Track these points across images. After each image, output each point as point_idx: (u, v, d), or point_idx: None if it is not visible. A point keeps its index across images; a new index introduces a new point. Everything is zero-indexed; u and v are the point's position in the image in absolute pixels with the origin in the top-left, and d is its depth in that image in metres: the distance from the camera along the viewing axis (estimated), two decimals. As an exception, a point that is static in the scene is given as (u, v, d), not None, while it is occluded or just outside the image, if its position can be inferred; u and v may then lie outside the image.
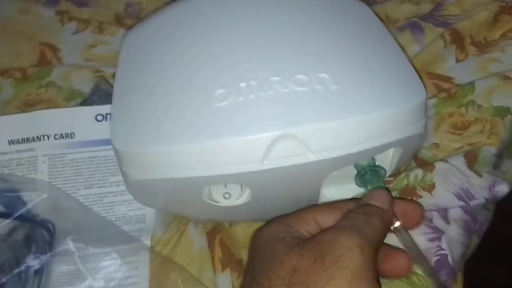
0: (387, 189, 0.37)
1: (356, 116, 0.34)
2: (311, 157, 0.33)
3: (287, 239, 0.31)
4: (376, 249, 0.31)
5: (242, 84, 0.34)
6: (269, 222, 0.35)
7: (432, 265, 0.37)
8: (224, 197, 0.36)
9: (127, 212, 0.44)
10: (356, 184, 0.38)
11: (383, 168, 0.37)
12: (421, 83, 0.37)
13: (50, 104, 0.52)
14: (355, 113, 0.34)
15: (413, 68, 0.39)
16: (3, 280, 0.38)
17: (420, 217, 0.37)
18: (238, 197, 0.36)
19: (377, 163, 0.37)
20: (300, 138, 0.33)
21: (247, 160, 0.33)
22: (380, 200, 0.34)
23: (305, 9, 0.40)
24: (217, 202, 0.36)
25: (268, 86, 0.34)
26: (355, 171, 0.37)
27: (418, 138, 0.37)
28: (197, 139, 0.33)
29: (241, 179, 0.34)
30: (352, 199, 0.37)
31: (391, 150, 0.37)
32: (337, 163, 0.35)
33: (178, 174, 0.34)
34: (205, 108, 0.34)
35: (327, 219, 0.33)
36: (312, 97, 0.34)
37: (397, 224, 0.35)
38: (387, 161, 0.38)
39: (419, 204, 0.37)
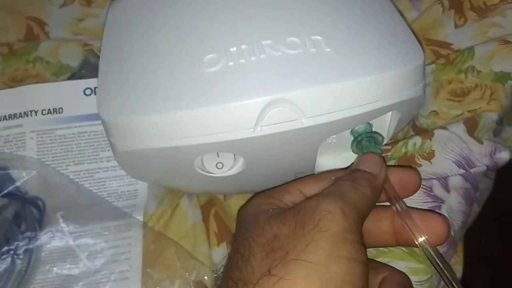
0: (382, 156, 0.36)
1: (351, 79, 0.32)
2: (305, 122, 0.32)
3: (270, 209, 0.30)
4: (362, 215, 0.30)
5: (232, 49, 0.33)
6: (253, 195, 0.34)
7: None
8: (217, 167, 0.35)
9: (118, 187, 0.43)
10: (353, 151, 0.36)
11: (380, 134, 0.36)
12: (419, 46, 0.36)
13: (38, 79, 0.50)
14: (350, 76, 0.32)
15: (410, 31, 0.37)
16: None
17: (417, 185, 0.35)
18: (231, 167, 0.35)
19: (374, 129, 0.36)
20: (293, 103, 0.31)
21: (239, 126, 0.32)
22: (370, 165, 0.32)
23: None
24: (210, 172, 0.35)
25: (260, 50, 0.33)
26: (352, 138, 0.36)
27: (416, 101, 0.36)
28: (186, 106, 0.32)
29: (234, 147, 0.33)
30: (342, 169, 0.35)
31: (389, 115, 0.35)
32: (332, 128, 0.34)
33: (168, 144, 0.33)
34: (194, 74, 0.33)
35: (313, 189, 0.32)
36: (306, 60, 0.32)
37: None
38: (385, 127, 0.36)
39: (416, 172, 0.35)
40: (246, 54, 0.33)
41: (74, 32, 0.53)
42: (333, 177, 0.33)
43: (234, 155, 0.35)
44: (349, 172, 0.33)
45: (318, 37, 0.33)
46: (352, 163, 0.34)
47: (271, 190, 0.32)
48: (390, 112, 0.35)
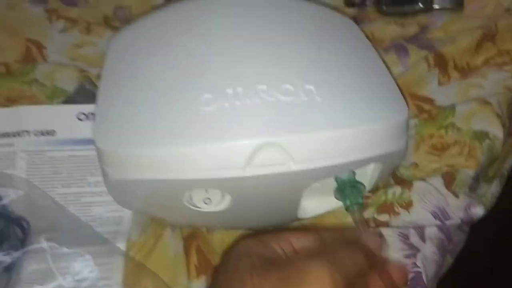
0: (362, 205, 0.37)
1: (339, 128, 0.34)
2: (293, 167, 0.33)
3: (253, 256, 0.29)
4: (351, 283, 0.28)
5: (229, 90, 0.35)
6: (242, 236, 0.33)
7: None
8: (205, 203, 0.36)
9: (104, 213, 0.43)
10: (335, 197, 0.38)
11: (362, 184, 0.37)
12: (404, 101, 0.38)
13: (33, 101, 0.51)
14: (338, 125, 0.34)
15: (396, 86, 0.39)
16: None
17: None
18: (218, 203, 0.36)
19: (357, 178, 0.37)
20: (283, 147, 0.33)
21: (229, 165, 0.33)
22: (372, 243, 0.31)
23: (295, 22, 0.40)
24: (197, 207, 0.36)
25: (254, 94, 0.34)
26: (335, 185, 0.37)
27: (398, 154, 0.38)
28: (180, 142, 0.33)
29: (223, 184, 0.34)
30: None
31: (371, 165, 0.37)
32: (318, 174, 0.35)
33: (160, 176, 0.34)
34: (190, 112, 0.34)
35: (303, 242, 0.31)
36: (297, 107, 0.34)
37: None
38: (367, 176, 0.38)
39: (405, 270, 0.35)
40: (242, 96, 0.34)
41: (71, 57, 0.55)
42: (320, 235, 0.31)
43: (222, 192, 0.36)
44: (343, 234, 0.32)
45: (311, 87, 0.35)
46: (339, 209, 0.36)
47: (261, 234, 0.31)
48: (373, 163, 0.37)
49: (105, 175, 0.36)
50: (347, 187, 0.37)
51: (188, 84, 0.36)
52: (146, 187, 0.35)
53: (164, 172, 0.34)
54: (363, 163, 0.36)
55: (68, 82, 0.52)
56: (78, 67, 0.53)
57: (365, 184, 0.38)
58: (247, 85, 0.35)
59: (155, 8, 0.56)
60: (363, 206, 0.36)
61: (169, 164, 0.34)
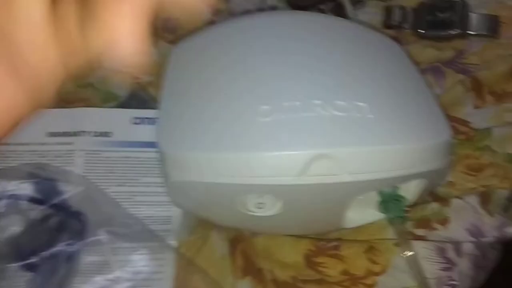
0: (405, 218, 0.39)
1: (388, 145, 0.36)
2: (344, 178, 0.35)
3: None
4: None
5: (286, 103, 0.37)
6: None
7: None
8: (257, 207, 0.38)
9: (154, 212, 0.46)
10: (379, 210, 0.40)
11: (405, 198, 0.39)
12: (447, 123, 0.40)
13: (87, 103, 0.54)
14: (387, 142, 0.36)
15: (440, 108, 0.42)
16: (35, 260, 0.40)
17: None
18: (270, 209, 0.38)
19: (400, 192, 0.40)
20: (336, 159, 0.35)
21: (285, 173, 0.35)
22: None
23: (347, 42, 0.43)
24: (251, 211, 0.38)
25: (310, 108, 0.37)
26: (379, 198, 0.40)
27: (441, 173, 0.40)
28: (240, 149, 0.36)
29: (277, 191, 0.37)
30: None
31: (415, 181, 0.39)
32: (366, 186, 0.37)
33: (219, 180, 0.36)
34: (249, 121, 0.37)
35: None
36: (350, 123, 0.37)
37: (408, 252, 0.38)
38: (409, 191, 0.40)
39: None
40: (299, 110, 0.37)
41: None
42: None
43: (275, 198, 0.38)
44: None
45: (363, 104, 0.38)
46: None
47: None
48: (418, 179, 0.39)
49: (166, 176, 0.39)
50: (391, 201, 0.39)
51: (247, 95, 0.38)
52: (205, 190, 0.38)
53: (223, 176, 0.36)
54: (408, 178, 0.38)
55: (121, 87, 0.55)
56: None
57: (407, 198, 0.40)
58: (304, 100, 0.37)
59: (205, 22, 0.59)
60: (405, 220, 0.39)
61: (228, 169, 0.36)
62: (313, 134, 0.36)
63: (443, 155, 0.39)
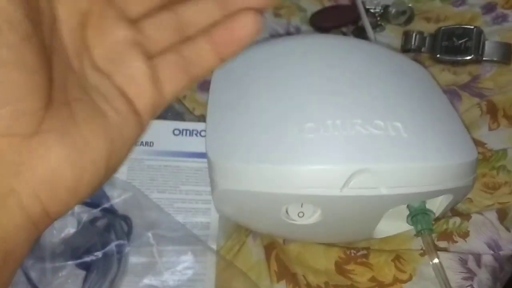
0: (433, 230, 0.43)
1: (420, 162, 0.40)
2: (383, 191, 0.39)
3: None
4: None
5: (329, 122, 0.41)
6: None
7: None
8: (298, 216, 0.42)
9: (193, 218, 0.49)
10: (407, 222, 0.43)
11: (432, 212, 0.43)
12: (473, 143, 0.44)
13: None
14: (420, 159, 0.40)
15: (465, 129, 0.45)
16: (89, 259, 0.42)
17: None
18: (310, 217, 0.42)
19: (427, 207, 0.43)
20: (375, 173, 0.39)
21: (329, 185, 0.39)
22: None
23: (381, 65, 0.47)
24: (292, 219, 0.42)
25: (351, 126, 0.40)
26: (408, 211, 0.43)
27: (466, 189, 0.44)
28: (287, 162, 0.39)
29: (319, 201, 0.40)
30: None
31: (443, 196, 0.43)
32: (400, 199, 0.41)
33: (265, 189, 0.40)
34: (294, 137, 0.40)
35: None
36: (387, 141, 0.40)
37: (435, 261, 0.41)
38: (435, 205, 0.44)
39: None
40: (340, 128, 0.40)
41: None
42: None
43: (315, 207, 0.41)
44: None
45: (398, 124, 0.41)
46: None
47: None
48: (445, 194, 0.43)
49: (214, 184, 0.42)
50: (419, 214, 0.42)
51: (292, 112, 0.42)
52: (251, 198, 0.41)
53: (270, 186, 0.40)
54: (437, 193, 0.42)
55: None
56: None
57: (434, 211, 0.43)
58: (345, 118, 0.41)
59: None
60: (433, 232, 0.42)
61: (275, 180, 0.39)
62: (354, 150, 0.39)
63: (469, 173, 0.43)
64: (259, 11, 0.27)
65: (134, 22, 0.28)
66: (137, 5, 0.28)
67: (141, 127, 0.29)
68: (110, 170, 0.28)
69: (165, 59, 0.28)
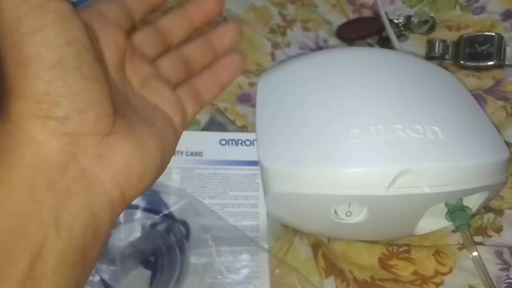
0: (470, 225, 0.46)
1: (458, 161, 0.43)
2: (426, 190, 0.42)
3: None
4: None
5: (372, 127, 0.44)
6: None
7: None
8: (346, 215, 0.45)
9: (243, 221, 0.53)
10: (446, 219, 0.47)
11: (470, 208, 0.46)
12: (505, 143, 0.48)
13: (173, 126, 0.61)
14: (458, 159, 0.43)
15: (497, 130, 0.49)
16: (154, 260, 0.46)
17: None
18: (357, 216, 0.45)
19: (464, 203, 0.47)
20: (418, 173, 0.42)
21: (376, 185, 0.42)
22: None
23: (414, 73, 0.50)
24: (341, 219, 0.45)
25: (392, 131, 0.44)
26: (445, 209, 0.47)
27: (500, 186, 0.47)
28: (336, 165, 0.43)
29: (367, 201, 0.43)
30: None
31: (479, 193, 0.46)
32: (440, 197, 0.44)
33: (316, 191, 0.43)
34: (341, 142, 0.44)
35: None
36: (427, 143, 0.43)
37: (475, 253, 0.45)
38: (472, 202, 0.47)
39: None
40: (382, 133, 0.44)
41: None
42: None
43: (361, 206, 0.45)
44: None
45: (436, 128, 0.45)
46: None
47: None
48: (482, 192, 0.46)
49: (267, 188, 0.46)
50: (457, 210, 0.46)
51: (338, 119, 0.45)
52: (302, 200, 0.45)
53: (320, 188, 0.43)
54: (474, 191, 0.45)
55: (201, 113, 0.63)
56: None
57: (471, 208, 0.47)
58: (386, 124, 0.44)
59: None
60: (471, 227, 0.46)
61: (325, 182, 0.43)
62: (397, 152, 0.43)
63: (503, 170, 0.46)
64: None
65: (153, 61, 0.41)
66: (152, 49, 0.41)
67: (177, 135, 0.42)
68: (164, 162, 0.39)
69: (183, 90, 0.43)
